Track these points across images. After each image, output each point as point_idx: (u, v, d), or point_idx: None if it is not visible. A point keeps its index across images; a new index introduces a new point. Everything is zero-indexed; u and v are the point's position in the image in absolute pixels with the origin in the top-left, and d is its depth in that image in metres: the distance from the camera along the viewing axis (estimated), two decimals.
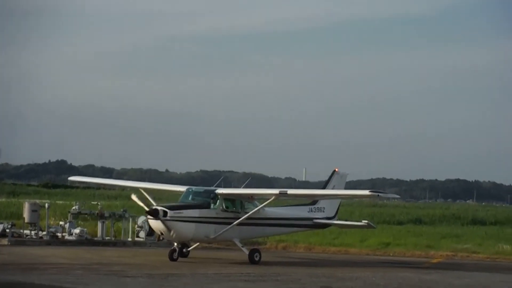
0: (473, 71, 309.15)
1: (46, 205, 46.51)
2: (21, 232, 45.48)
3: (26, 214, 45.09)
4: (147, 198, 40.58)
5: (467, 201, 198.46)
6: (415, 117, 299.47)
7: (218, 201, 38.48)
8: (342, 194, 41.93)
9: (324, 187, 43.87)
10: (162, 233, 37.79)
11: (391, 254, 46.99)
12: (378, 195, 38.67)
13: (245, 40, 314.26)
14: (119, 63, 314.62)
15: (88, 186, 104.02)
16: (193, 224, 37.37)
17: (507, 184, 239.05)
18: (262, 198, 40.16)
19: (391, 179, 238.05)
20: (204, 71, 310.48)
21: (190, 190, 39.33)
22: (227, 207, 38.72)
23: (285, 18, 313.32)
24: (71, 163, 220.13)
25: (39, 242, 44.27)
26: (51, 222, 47.63)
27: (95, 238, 46.20)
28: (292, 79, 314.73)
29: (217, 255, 42.03)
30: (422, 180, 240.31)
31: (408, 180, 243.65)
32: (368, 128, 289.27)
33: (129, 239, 47.01)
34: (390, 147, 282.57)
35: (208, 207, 38.19)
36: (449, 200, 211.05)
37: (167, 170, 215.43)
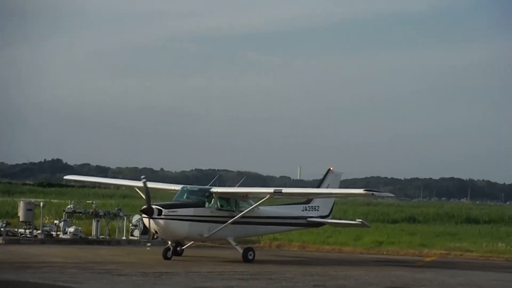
0: (471, 71, 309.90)
1: (41, 204, 46.54)
2: (15, 231, 45.49)
3: (21, 213, 45.10)
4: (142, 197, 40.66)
5: (461, 200, 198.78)
6: (411, 117, 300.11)
7: (213, 200, 38.56)
8: (337, 192, 42.03)
9: (318, 186, 44.00)
10: (156, 232, 37.86)
11: (384, 253, 47.09)
12: (373, 193, 38.76)
13: (243, 40, 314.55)
14: (117, 63, 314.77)
15: (83, 185, 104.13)
16: (187, 223, 37.44)
17: (501, 182, 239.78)
18: (257, 197, 40.28)
19: (386, 177, 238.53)
20: (202, 70, 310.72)
21: (185, 189, 39.42)
22: (221, 205, 38.80)
23: (283, 18, 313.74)
24: (66, 162, 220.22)
25: (33, 240, 44.30)
26: (46, 221, 47.65)
27: (90, 237, 46.24)
28: (289, 79, 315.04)
29: (211, 253, 42.10)
30: (417, 179, 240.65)
31: (403, 178, 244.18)
32: (363, 128, 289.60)
33: (124, 237, 47.06)
34: (385, 146, 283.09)
35: (202, 205, 38.27)
36: (443, 198, 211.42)
37: (162, 169, 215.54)
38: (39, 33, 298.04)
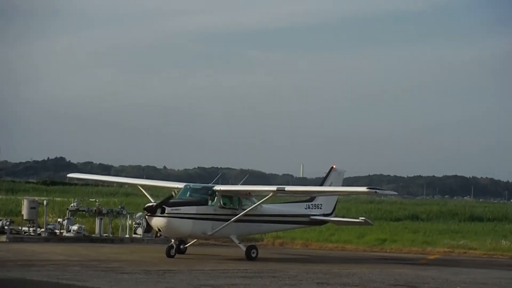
0: (472, 68, 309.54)
1: (45, 202, 46.61)
2: (19, 229, 45.57)
3: (24, 211, 45.17)
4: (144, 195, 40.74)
5: (465, 198, 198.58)
6: (413, 114, 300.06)
7: (216, 198, 38.59)
8: (340, 190, 42.04)
9: (321, 184, 43.99)
10: (159, 230, 37.90)
11: (388, 251, 47.10)
12: (376, 191, 38.77)
13: (245, 38, 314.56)
14: (119, 61, 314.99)
15: (86, 183, 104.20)
16: (190, 221, 37.47)
17: (504, 180, 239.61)
18: (260, 195, 40.28)
19: (389, 175, 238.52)
20: (203, 68, 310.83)
21: (188, 187, 39.45)
22: (224, 203, 38.82)
23: (284, 16, 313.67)
24: (69, 160, 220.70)
25: (37, 239, 44.36)
26: (49, 219, 47.72)
27: (93, 235, 46.29)
28: (291, 77, 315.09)
29: (214, 251, 42.13)
30: (420, 177, 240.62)
31: (406, 176, 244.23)
32: (365, 125, 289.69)
33: (127, 235, 47.12)
34: (388, 144, 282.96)
35: (205, 203, 38.30)
36: (446, 196, 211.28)
37: (165, 167, 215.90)
38: (38, 31, 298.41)
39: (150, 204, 37.48)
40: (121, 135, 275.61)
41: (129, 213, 47.70)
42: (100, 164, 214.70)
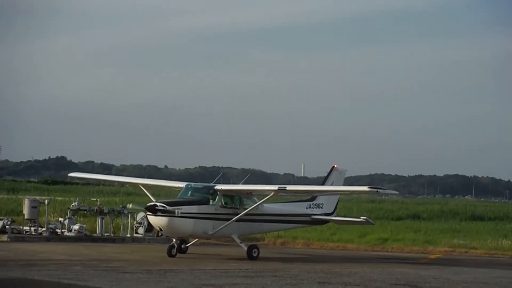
0: (472, 67, 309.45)
1: (46, 201, 46.62)
2: (20, 229, 45.59)
3: (25, 211, 45.19)
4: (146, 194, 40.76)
5: (466, 197, 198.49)
6: (414, 113, 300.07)
7: (217, 197, 38.59)
8: (341, 190, 42.03)
9: (323, 183, 43.99)
10: (161, 229, 37.91)
11: (389, 250, 47.10)
12: (377, 191, 38.75)
13: (244, 37, 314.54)
14: (119, 61, 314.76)
15: (87, 182, 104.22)
16: (191, 220, 37.48)
17: (505, 179, 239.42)
18: (261, 194, 40.27)
19: (390, 174, 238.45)
20: (204, 68, 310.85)
21: (189, 186, 39.45)
22: (226, 203, 38.82)
23: (285, 15, 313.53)
24: (70, 160, 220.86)
25: (38, 238, 44.38)
26: (51, 219, 47.75)
27: (94, 234, 46.32)
28: (290, 76, 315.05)
29: (215, 251, 42.13)
30: (421, 176, 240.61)
31: (407, 175, 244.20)
32: (367, 125, 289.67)
33: (128, 235, 47.13)
34: (389, 143, 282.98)
35: (207, 203, 38.30)
36: (447, 195, 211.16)
37: (166, 167, 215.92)
38: (40, 30, 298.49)
39: (152, 203, 37.48)
40: (122, 135, 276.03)
41: (130, 213, 47.71)
42: (101, 163, 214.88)
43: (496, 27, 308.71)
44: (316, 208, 42.97)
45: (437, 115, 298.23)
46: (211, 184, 39.97)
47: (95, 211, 46.98)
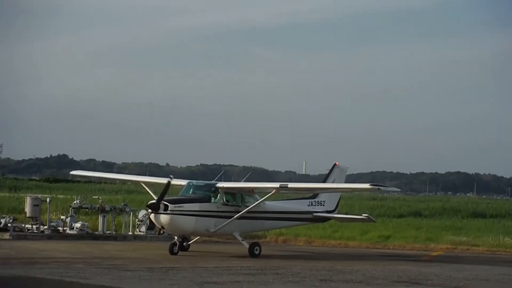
0: (473, 64, 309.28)
1: (48, 199, 46.64)
2: (22, 227, 45.62)
3: (27, 209, 45.22)
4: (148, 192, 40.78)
5: (467, 194, 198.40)
6: (415, 110, 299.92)
7: (219, 195, 38.60)
8: (343, 187, 42.05)
9: (324, 181, 44.00)
10: (162, 227, 37.93)
11: (391, 247, 47.11)
12: (379, 188, 38.82)
13: (245, 35, 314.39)
14: (121, 59, 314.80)
15: (89, 180, 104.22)
16: (193, 218, 37.49)
17: (507, 177, 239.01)
18: (263, 191, 40.29)
19: (391, 172, 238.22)
20: (205, 66, 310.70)
21: (191, 184, 39.46)
22: (227, 201, 38.83)
23: (284, 14, 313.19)
24: (72, 158, 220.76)
25: (40, 236, 44.41)
26: (53, 217, 47.78)
27: (96, 232, 46.35)
28: (293, 74, 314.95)
29: (217, 248, 42.15)
30: (422, 173, 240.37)
31: (408, 173, 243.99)
32: (368, 122, 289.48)
33: (130, 233, 47.15)
34: (390, 141, 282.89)
35: (208, 201, 38.32)
36: (449, 193, 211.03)
37: (167, 164, 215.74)
38: (40, 32, 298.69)
39: (153, 201, 37.50)
40: (124, 133, 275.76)
41: (132, 210, 47.74)
42: (103, 161, 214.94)
43: (496, 27, 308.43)
44: (317, 205, 42.97)
45: (438, 113, 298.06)
46: (212, 182, 39.99)
47: (97, 209, 47.02)
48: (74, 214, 46.70)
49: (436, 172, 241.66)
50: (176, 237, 38.44)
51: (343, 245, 47.70)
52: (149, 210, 37.66)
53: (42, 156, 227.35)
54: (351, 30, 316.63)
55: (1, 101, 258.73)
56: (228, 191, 39.06)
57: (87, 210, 48.36)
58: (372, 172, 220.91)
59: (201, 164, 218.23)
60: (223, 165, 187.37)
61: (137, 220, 47.55)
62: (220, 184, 39.12)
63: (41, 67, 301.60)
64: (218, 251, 40.47)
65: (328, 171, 44.37)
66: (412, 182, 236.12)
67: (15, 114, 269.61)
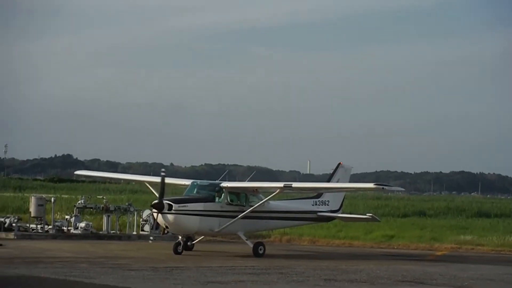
0: (474, 63, 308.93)
1: (52, 199, 46.72)
2: (27, 226, 45.68)
3: (32, 208, 45.29)
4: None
5: (472, 194, 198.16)
6: (420, 110, 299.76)
7: (223, 194, 38.60)
8: (347, 187, 42.02)
9: (328, 180, 43.98)
10: (167, 227, 37.94)
11: (395, 247, 47.07)
12: (383, 188, 38.76)
13: (245, 35, 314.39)
14: (121, 59, 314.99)
15: (93, 180, 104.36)
16: (197, 218, 37.49)
17: None
18: (267, 191, 40.28)
19: (396, 171, 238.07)
20: (208, 65, 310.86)
21: (195, 183, 39.46)
22: (231, 200, 38.83)
23: (284, 14, 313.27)
24: (76, 158, 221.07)
25: (45, 236, 44.47)
26: (57, 216, 47.84)
27: (101, 232, 46.39)
28: (295, 73, 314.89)
29: (221, 248, 42.15)
30: (427, 173, 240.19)
31: (413, 172, 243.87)
32: (373, 122, 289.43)
33: (134, 232, 47.19)
34: (395, 140, 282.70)
35: (213, 200, 38.32)
36: (453, 192, 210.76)
37: (171, 164, 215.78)
38: (39, 32, 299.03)
39: (157, 201, 37.49)
40: (128, 133, 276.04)
41: (136, 210, 47.77)
42: (107, 161, 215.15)
43: (496, 27, 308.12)
44: (322, 205, 42.95)
45: (442, 113, 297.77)
46: (217, 181, 39.99)
47: (101, 208, 47.06)
48: (78, 214, 46.75)
49: (441, 172, 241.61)
50: (180, 237, 38.44)
51: (347, 244, 47.67)
52: (154, 210, 37.65)
53: (47, 156, 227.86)
54: (351, 30, 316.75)
55: (3, 101, 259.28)
56: (232, 191, 39.06)
57: (91, 210, 48.41)
58: (376, 171, 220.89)
59: (205, 164, 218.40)
60: (227, 164, 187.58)
61: (141, 219, 47.57)
62: (224, 184, 39.12)
63: (41, 67, 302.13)
64: (222, 251, 40.48)
65: (332, 170, 44.34)
66: (417, 182, 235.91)
67: (18, 114, 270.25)
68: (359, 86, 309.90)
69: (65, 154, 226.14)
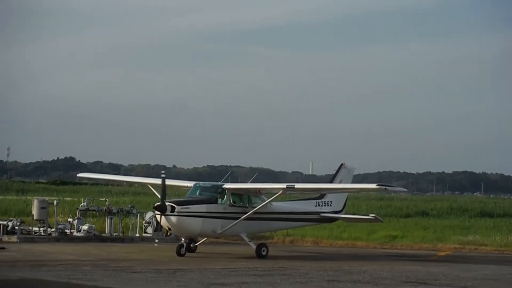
0: (474, 63, 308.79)
1: (55, 202, 46.68)
2: (30, 229, 45.66)
3: (35, 211, 45.25)
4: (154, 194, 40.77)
5: (475, 194, 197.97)
6: (422, 110, 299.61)
7: (226, 196, 38.56)
8: (349, 187, 41.96)
9: (331, 181, 43.93)
10: (169, 229, 37.90)
11: (398, 247, 47.01)
12: (386, 188, 38.72)
13: (248, 34, 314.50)
14: (124, 59, 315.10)
15: (96, 182, 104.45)
16: (200, 219, 37.46)
17: None
18: (269, 192, 40.24)
19: (398, 172, 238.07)
20: (210, 66, 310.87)
21: (198, 185, 39.43)
22: (234, 202, 38.79)
23: (284, 14, 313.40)
24: (79, 160, 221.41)
25: (47, 239, 44.45)
26: (60, 219, 47.82)
27: (103, 234, 46.38)
28: (295, 73, 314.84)
29: (224, 250, 42.12)
30: (429, 173, 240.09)
31: (415, 173, 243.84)
32: (375, 122, 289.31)
33: (137, 235, 47.16)
34: (397, 141, 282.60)
35: (215, 202, 38.29)
36: (456, 192, 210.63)
37: (174, 166, 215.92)
38: (45, 31, 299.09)
39: (159, 203, 37.46)
40: (131, 135, 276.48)
41: (139, 212, 47.74)
42: (109, 163, 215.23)
43: (496, 27, 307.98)
44: (324, 206, 42.90)
45: (444, 113, 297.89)
46: (219, 183, 39.94)
47: (104, 211, 47.04)
48: (81, 217, 46.74)
49: (443, 172, 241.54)
50: (183, 239, 38.41)
51: (350, 245, 47.62)
52: (156, 212, 37.63)
53: (49, 159, 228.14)
54: (351, 30, 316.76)
55: (5, 104, 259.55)
56: (235, 192, 39.03)
57: (94, 212, 48.38)
58: (379, 172, 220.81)
59: (207, 165, 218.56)
60: (230, 166, 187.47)
61: (144, 222, 47.55)
62: (227, 185, 39.08)
63: (41, 68, 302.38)
64: (225, 252, 40.45)
65: (335, 171, 44.30)
66: (419, 182, 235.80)
67: (20, 117, 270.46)
68: (359, 86, 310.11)
69: (68, 156, 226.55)
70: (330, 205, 43.08)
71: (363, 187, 42.64)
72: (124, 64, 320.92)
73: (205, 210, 37.73)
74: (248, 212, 38.63)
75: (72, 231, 45.74)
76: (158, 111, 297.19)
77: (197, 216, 37.38)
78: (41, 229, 45.29)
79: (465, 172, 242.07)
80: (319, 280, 28.29)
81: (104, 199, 53.60)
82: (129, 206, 48.79)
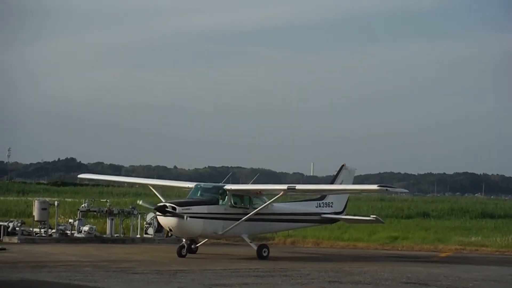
0: (474, 63, 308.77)
1: (56, 203, 46.66)
2: (30, 230, 45.65)
3: (35, 212, 45.22)
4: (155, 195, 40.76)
5: (476, 195, 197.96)
6: (423, 111, 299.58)
7: (227, 197, 38.55)
8: (351, 189, 41.92)
9: (332, 182, 43.92)
10: (170, 230, 37.89)
11: (399, 248, 46.99)
12: (387, 189, 38.69)
13: (248, 34, 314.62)
14: (124, 59, 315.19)
15: (97, 183, 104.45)
16: (201, 220, 37.46)
17: None
18: (271, 193, 40.22)
19: (399, 173, 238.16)
20: (210, 66, 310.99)
21: (199, 186, 39.43)
22: (235, 203, 38.78)
23: (285, 14, 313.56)
24: (80, 161, 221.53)
25: (48, 240, 44.44)
26: (60, 220, 47.81)
27: (104, 235, 46.36)
28: (298, 73, 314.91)
29: (225, 251, 42.11)
30: (430, 174, 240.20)
31: (416, 174, 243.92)
32: (376, 123, 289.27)
33: (138, 236, 47.16)
34: (398, 141, 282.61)
35: (216, 203, 38.28)
36: (457, 193, 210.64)
37: (175, 167, 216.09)
38: (45, 32, 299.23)
39: (161, 204, 37.47)
40: (131, 136, 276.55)
41: (140, 213, 47.73)
42: (110, 164, 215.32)
43: (496, 27, 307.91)
44: (325, 207, 42.90)
45: (445, 113, 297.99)
46: (220, 184, 39.93)
47: (104, 212, 47.02)
48: (82, 218, 46.72)
49: (444, 173, 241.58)
50: (184, 240, 38.41)
51: (351, 246, 47.60)
52: (157, 213, 37.63)
53: (50, 160, 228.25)
54: (351, 30, 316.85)
55: (5, 104, 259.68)
56: (236, 193, 39.02)
57: (95, 213, 48.37)
58: (380, 173, 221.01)
59: (208, 167, 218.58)
60: (231, 167, 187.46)
61: (145, 223, 47.54)
62: (228, 186, 39.07)
63: (41, 68, 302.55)
64: (226, 253, 40.44)
65: (336, 172, 44.29)
66: (420, 183, 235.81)
67: (20, 118, 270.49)
68: (359, 86, 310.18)
69: (68, 157, 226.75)
70: (331, 206, 43.07)
71: (364, 188, 42.63)
72: (124, 64, 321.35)
73: (206, 211, 37.72)
74: (249, 213, 38.62)
75: (73, 232, 45.73)
76: (158, 111, 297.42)
77: (198, 217, 37.36)
78: (42, 230, 45.27)
79: (466, 173, 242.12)
80: (320, 281, 28.28)
81: (105, 200, 53.59)
82: (130, 207, 48.75)
